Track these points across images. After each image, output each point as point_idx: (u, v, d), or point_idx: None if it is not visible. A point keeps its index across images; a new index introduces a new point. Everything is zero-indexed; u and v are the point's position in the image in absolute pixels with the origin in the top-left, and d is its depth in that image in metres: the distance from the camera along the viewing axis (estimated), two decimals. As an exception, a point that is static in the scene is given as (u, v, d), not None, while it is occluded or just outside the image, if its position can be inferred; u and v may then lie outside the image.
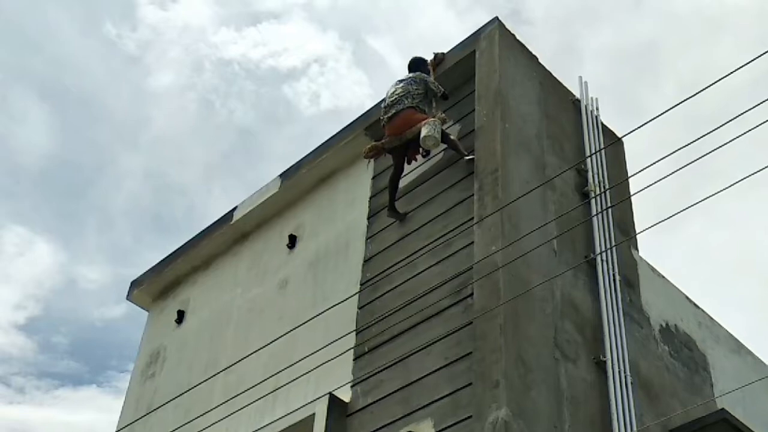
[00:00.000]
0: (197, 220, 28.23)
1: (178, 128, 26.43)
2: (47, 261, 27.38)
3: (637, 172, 4.99)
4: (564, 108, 8.47)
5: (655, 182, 4.86)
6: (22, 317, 26.49)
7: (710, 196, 4.71)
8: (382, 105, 8.14)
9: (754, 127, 4.42)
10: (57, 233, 27.60)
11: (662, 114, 4.74)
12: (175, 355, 9.88)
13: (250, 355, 7.57)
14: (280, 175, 9.73)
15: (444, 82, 8.24)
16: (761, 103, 4.35)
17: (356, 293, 7.64)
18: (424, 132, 7.52)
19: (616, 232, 7.78)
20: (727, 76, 4.47)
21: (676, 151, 4.57)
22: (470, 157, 7.50)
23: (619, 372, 6.72)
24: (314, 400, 7.09)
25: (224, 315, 9.49)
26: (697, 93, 4.62)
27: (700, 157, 4.59)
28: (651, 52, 22.91)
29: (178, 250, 10.67)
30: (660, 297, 8.04)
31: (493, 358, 6.00)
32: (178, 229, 27.41)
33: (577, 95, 8.73)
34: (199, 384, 8.04)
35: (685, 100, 4.63)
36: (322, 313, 7.28)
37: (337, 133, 9.30)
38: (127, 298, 11.09)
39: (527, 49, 8.43)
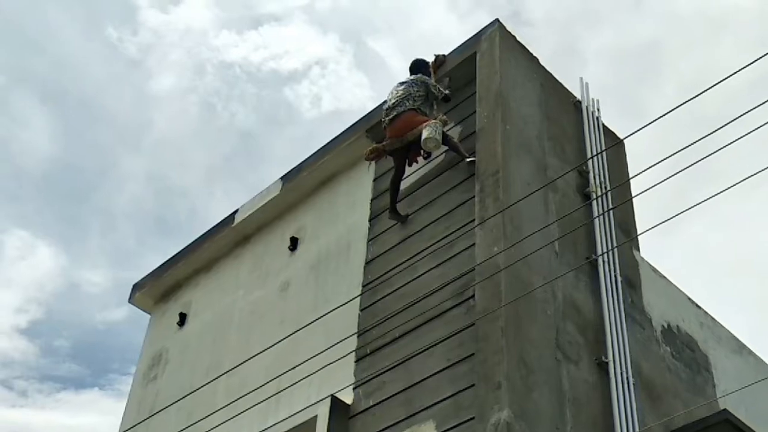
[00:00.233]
0: (199, 223, 28.29)
1: (179, 131, 26.46)
2: (49, 264, 27.41)
3: (638, 174, 5.00)
4: (565, 109, 8.47)
5: (657, 184, 4.87)
6: (24, 321, 26.54)
7: (711, 197, 4.72)
8: (384, 107, 8.15)
9: (755, 129, 4.42)
10: (59, 237, 27.64)
11: (664, 115, 4.75)
12: (177, 357, 9.88)
13: (252, 357, 7.56)
14: (282, 178, 9.73)
15: (449, 83, 8.26)
16: (762, 104, 4.35)
17: (358, 295, 7.65)
18: (425, 134, 7.52)
19: (617, 233, 7.78)
20: (728, 77, 4.48)
21: (678, 152, 4.57)
22: (471, 158, 7.50)
23: (621, 373, 6.72)
24: (316, 402, 7.09)
25: (226, 317, 9.49)
26: (698, 94, 4.63)
27: (701, 159, 4.60)
28: (652, 53, 22.91)
29: (179, 252, 10.67)
30: (661, 298, 8.04)
31: (495, 359, 6.00)
32: (180, 232, 27.43)
33: (578, 96, 8.74)
34: (202, 387, 8.04)
35: (687, 101, 4.64)
36: (324, 315, 7.28)
37: (338, 136, 9.30)
38: (129, 301, 11.10)
39: (528, 51, 8.44)
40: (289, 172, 9.69)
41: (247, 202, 10.07)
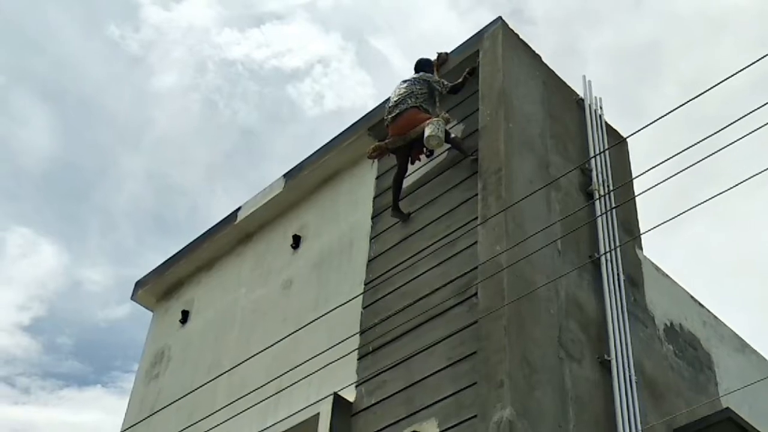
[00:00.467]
0: (200, 221, 28.26)
1: (180, 129, 26.46)
2: (51, 262, 27.43)
3: (642, 173, 5.00)
4: (568, 107, 8.46)
5: (660, 183, 4.87)
6: (27, 318, 26.55)
7: (714, 196, 4.72)
8: (387, 105, 8.15)
9: (758, 128, 4.42)
10: (60, 235, 27.66)
11: (667, 114, 4.75)
12: (179, 355, 9.89)
13: (254, 355, 7.57)
14: (284, 176, 9.73)
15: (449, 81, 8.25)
16: (765, 104, 4.35)
17: (360, 293, 7.65)
18: (427, 132, 7.52)
19: (620, 232, 7.77)
20: (729, 78, 4.47)
21: (682, 152, 4.57)
22: (474, 156, 7.50)
23: (624, 371, 6.72)
24: (318, 401, 7.09)
25: (228, 315, 9.50)
26: (700, 94, 4.63)
27: (703, 158, 4.60)
28: (652, 53, 22.88)
29: (182, 250, 10.68)
30: (664, 296, 8.04)
31: (498, 358, 6.00)
32: (181, 230, 27.42)
33: (581, 95, 8.73)
34: (204, 385, 8.04)
35: (689, 101, 4.64)
36: (326, 313, 7.28)
37: (341, 134, 9.30)
38: (132, 299, 11.11)
39: (531, 49, 8.43)
40: (292, 169, 9.69)
41: (250, 200, 10.07)
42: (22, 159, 25.48)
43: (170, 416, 8.65)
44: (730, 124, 4.46)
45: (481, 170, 7.29)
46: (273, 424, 7.43)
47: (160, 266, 10.89)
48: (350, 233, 8.55)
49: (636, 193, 7.76)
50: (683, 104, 4.69)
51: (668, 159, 4.70)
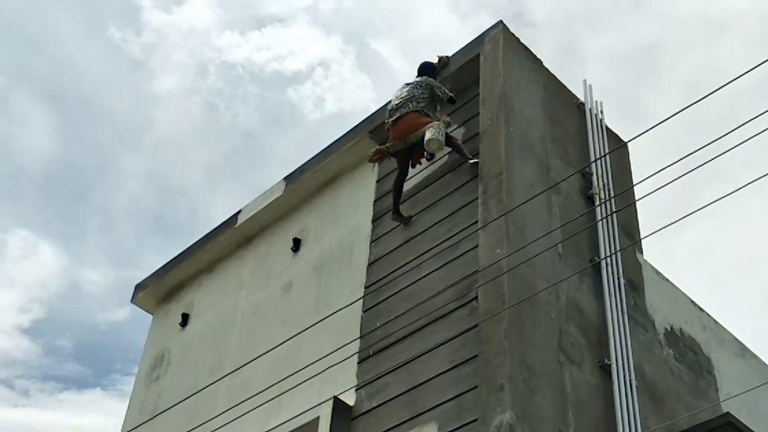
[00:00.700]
0: (200, 223, 28.26)
1: (181, 131, 26.47)
2: (51, 264, 27.43)
3: (644, 180, 5.00)
4: (568, 111, 8.47)
5: (661, 187, 4.87)
6: (27, 320, 26.56)
7: (716, 200, 4.72)
8: (388, 108, 8.15)
9: (760, 133, 4.42)
10: (60, 236, 27.66)
11: (669, 118, 4.75)
12: (179, 358, 9.89)
13: (254, 359, 7.57)
14: (285, 179, 9.73)
15: (449, 85, 8.25)
16: (765, 112, 4.35)
17: (361, 297, 7.64)
18: (428, 135, 7.53)
19: (620, 236, 7.78)
20: (731, 82, 4.48)
21: (684, 157, 4.57)
22: (475, 160, 7.50)
23: (624, 375, 6.72)
24: (319, 404, 7.09)
25: (229, 318, 9.49)
26: (703, 98, 4.63)
27: (705, 162, 4.60)
28: (653, 55, 22.89)
29: (182, 253, 10.68)
30: (665, 300, 8.04)
31: (498, 361, 6.00)
32: (181, 232, 27.42)
33: (582, 98, 8.73)
34: (204, 388, 8.04)
35: (691, 104, 4.64)
36: (327, 317, 7.28)
37: (342, 137, 9.31)
38: (132, 301, 11.10)
39: (531, 53, 8.43)
40: (292, 173, 9.69)
41: (250, 203, 10.07)
42: (22, 159, 25.52)
43: (171, 419, 8.64)
44: (733, 130, 4.46)
45: (482, 174, 7.30)
46: (273, 428, 7.43)
47: (160, 269, 10.88)
48: (351, 236, 8.55)
49: (637, 197, 7.76)
50: (683, 109, 4.70)
51: (669, 165, 4.70)
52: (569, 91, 8.68)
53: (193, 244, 10.58)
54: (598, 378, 6.65)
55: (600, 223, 7.56)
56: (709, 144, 4.53)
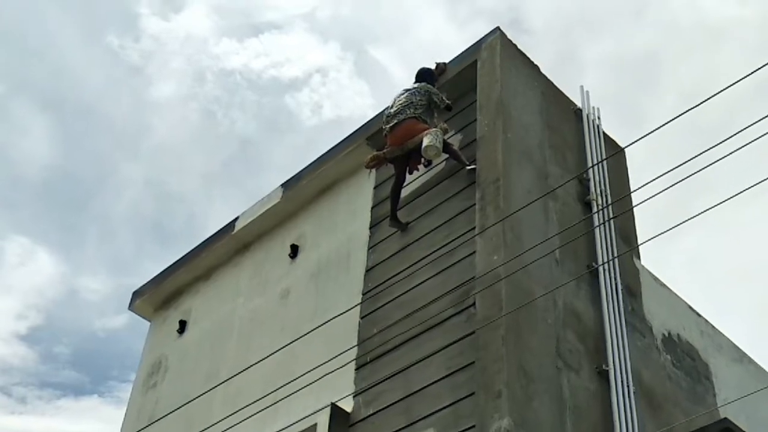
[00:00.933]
0: (197, 229, 28.26)
1: (179, 138, 26.49)
2: (49, 271, 27.41)
3: (641, 186, 5.00)
4: (566, 118, 8.48)
5: (657, 194, 4.87)
6: (24, 327, 26.50)
7: (713, 206, 4.72)
8: (385, 114, 8.16)
9: (756, 138, 4.43)
10: (58, 243, 27.65)
11: (666, 124, 4.76)
12: (176, 365, 9.88)
13: (252, 365, 7.56)
14: (282, 185, 9.73)
15: (446, 92, 8.25)
16: (763, 118, 4.36)
17: (358, 304, 7.64)
18: (425, 142, 7.53)
19: (618, 241, 7.78)
20: (728, 87, 4.49)
21: (682, 164, 4.58)
22: (472, 167, 7.51)
23: (622, 381, 6.72)
24: (316, 411, 7.08)
25: (226, 325, 9.49)
26: (700, 104, 4.63)
27: (702, 169, 4.60)
28: (651, 61, 22.92)
29: (180, 260, 10.67)
30: (662, 306, 8.04)
31: (495, 368, 6.00)
32: (179, 239, 27.41)
33: (579, 105, 8.74)
34: (201, 395, 8.02)
35: (688, 110, 4.64)
36: (324, 323, 7.27)
37: (339, 143, 9.31)
38: (129, 308, 11.09)
39: (529, 59, 8.44)
40: (290, 179, 9.69)
41: (248, 210, 10.07)
42: (21, 167, 25.52)
43: (168, 426, 8.62)
44: (731, 136, 4.47)
45: (479, 180, 7.30)
46: (271, 435, 7.42)
47: (157, 276, 10.88)
48: (348, 243, 8.55)
49: (634, 203, 7.76)
50: (680, 115, 4.70)
51: (667, 172, 4.70)
52: (567, 97, 8.70)
53: (191, 251, 10.57)
54: (596, 384, 6.64)
55: (597, 229, 7.56)
56: (706, 151, 4.54)
